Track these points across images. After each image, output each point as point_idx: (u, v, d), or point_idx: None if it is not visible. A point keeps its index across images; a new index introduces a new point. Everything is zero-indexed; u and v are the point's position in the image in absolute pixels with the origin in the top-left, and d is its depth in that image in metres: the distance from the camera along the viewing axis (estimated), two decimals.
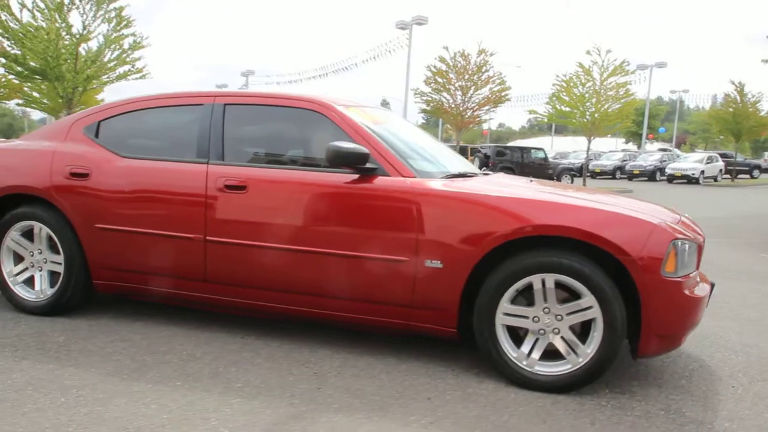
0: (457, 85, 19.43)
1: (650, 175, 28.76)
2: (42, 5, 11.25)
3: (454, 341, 3.03)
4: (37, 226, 3.53)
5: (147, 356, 2.99)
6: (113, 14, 11.83)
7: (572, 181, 23.78)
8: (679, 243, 2.71)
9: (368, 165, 2.94)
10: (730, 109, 28.18)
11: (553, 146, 48.43)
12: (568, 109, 22.86)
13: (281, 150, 3.41)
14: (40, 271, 3.60)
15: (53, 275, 3.58)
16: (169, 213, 3.24)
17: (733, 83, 27.82)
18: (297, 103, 3.28)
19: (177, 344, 3.17)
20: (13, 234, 3.59)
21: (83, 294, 3.55)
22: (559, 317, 2.78)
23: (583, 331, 2.80)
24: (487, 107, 19.82)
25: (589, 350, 2.74)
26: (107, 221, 3.34)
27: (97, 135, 3.52)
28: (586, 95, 21.68)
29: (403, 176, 2.98)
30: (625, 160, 31.44)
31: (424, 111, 21.34)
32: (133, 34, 12.16)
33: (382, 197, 2.93)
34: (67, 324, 3.44)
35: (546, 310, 2.79)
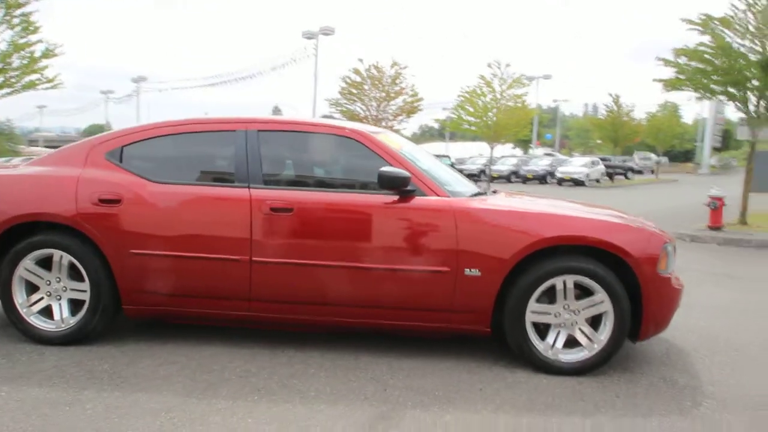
0: (371, 95, 20.03)
1: (542, 179, 31.20)
2: None
3: (485, 338, 3.44)
4: (57, 253, 3.45)
5: (205, 375, 3.09)
6: (17, 20, 10.96)
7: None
8: (668, 245, 3.34)
9: (409, 187, 3.28)
10: (608, 117, 31.45)
11: (447, 152, 50.73)
12: (472, 119, 24.38)
13: (318, 173, 3.64)
14: (59, 299, 3.51)
15: (73, 303, 3.52)
16: (212, 235, 3.35)
17: (610, 95, 31.15)
18: (332, 131, 3.54)
19: (226, 362, 3.28)
20: (28, 263, 3.48)
21: (108, 320, 3.52)
22: (576, 312, 3.29)
23: (593, 322, 3.34)
24: (401, 117, 20.62)
25: (602, 338, 3.28)
26: (143, 246, 3.36)
27: (121, 160, 3.52)
28: (489, 105, 23.29)
29: (438, 196, 3.35)
30: (518, 165, 33.84)
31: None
32: (41, 41, 11.33)
33: (425, 216, 3.28)
34: (97, 351, 3.40)
35: (566, 306, 3.29)
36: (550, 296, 3.31)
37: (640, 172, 38.71)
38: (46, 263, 3.50)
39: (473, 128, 24.10)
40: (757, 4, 10.48)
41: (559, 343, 3.31)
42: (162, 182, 3.44)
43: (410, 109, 20.50)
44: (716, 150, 42.63)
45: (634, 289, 3.26)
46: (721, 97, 11.46)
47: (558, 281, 3.25)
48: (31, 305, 3.52)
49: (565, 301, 3.29)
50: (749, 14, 10.51)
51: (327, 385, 3.01)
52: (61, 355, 3.33)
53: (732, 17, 10.68)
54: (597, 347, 3.28)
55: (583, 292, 3.30)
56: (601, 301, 3.25)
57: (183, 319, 3.58)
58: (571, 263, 3.23)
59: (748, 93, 10.65)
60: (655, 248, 3.27)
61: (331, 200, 3.38)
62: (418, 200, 3.32)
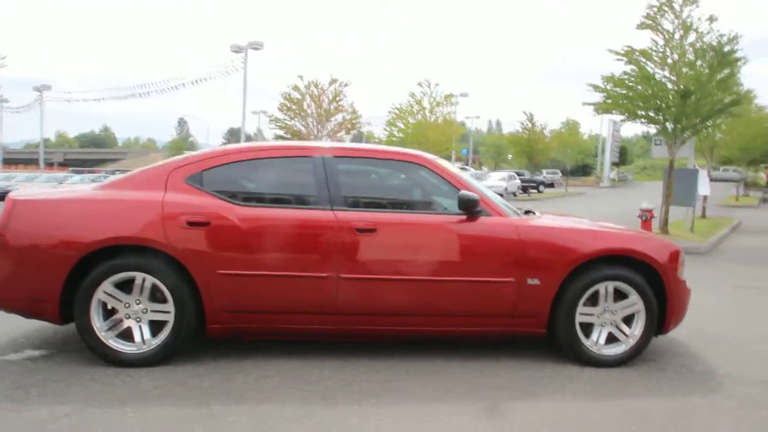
0: (310, 112, 20.29)
1: None
2: None
3: (541, 338, 3.93)
4: (139, 276, 3.52)
5: (309, 386, 3.31)
6: None
7: None
8: (682, 254, 4.01)
9: (478, 208, 3.71)
10: (524, 134, 33.68)
11: None
12: (402, 135, 25.24)
13: (391, 196, 3.97)
14: (138, 321, 3.58)
15: (152, 324, 3.60)
16: (300, 255, 3.58)
17: (525, 113, 33.40)
18: (400, 157, 3.91)
19: (317, 373, 3.50)
20: (107, 286, 3.52)
21: (189, 340, 3.63)
22: (614, 312, 3.87)
23: (626, 320, 3.92)
24: (341, 133, 21.01)
25: (636, 333, 3.87)
26: (232, 267, 3.53)
27: (202, 184, 3.67)
28: (421, 123, 24.28)
29: (500, 216, 3.81)
30: None
31: (279, 137, 21.74)
32: None
33: (493, 233, 3.73)
34: (182, 370, 3.49)
35: (606, 308, 3.86)
36: (593, 299, 3.86)
37: (551, 185, 41.60)
38: (123, 286, 3.56)
39: (404, 143, 24.96)
40: (672, 39, 12.03)
41: (602, 340, 3.87)
42: (248, 205, 3.63)
43: (350, 126, 21.00)
44: (614, 165, 46.74)
45: (658, 291, 3.90)
46: (643, 120, 12.91)
47: (601, 287, 3.81)
48: (110, 328, 3.56)
49: (605, 304, 3.86)
50: (667, 48, 12.03)
51: (426, 387, 3.34)
52: (151, 377, 3.40)
53: (653, 50, 12.16)
54: (632, 341, 3.87)
55: (617, 294, 3.89)
56: (635, 302, 3.85)
57: (263, 335, 3.76)
58: (613, 271, 3.81)
59: (667, 117, 12.14)
60: (674, 256, 3.93)
61: (409, 220, 3.74)
62: (484, 219, 3.76)
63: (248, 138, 33.60)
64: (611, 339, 3.89)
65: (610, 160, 43.57)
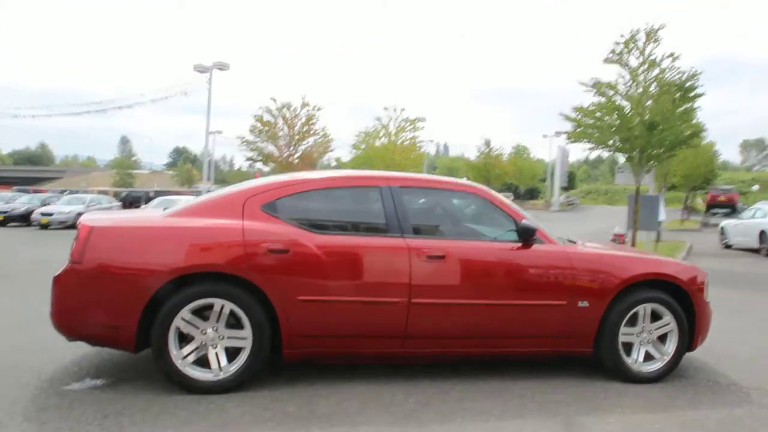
0: (282, 134, 20.35)
1: None
2: None
3: (587, 357, 4.22)
4: (218, 303, 3.59)
5: (392, 408, 3.46)
6: None
7: None
8: (707, 278, 4.43)
9: (536, 236, 4.01)
10: (481, 159, 34.80)
11: None
12: (367, 157, 25.57)
13: (454, 224, 4.21)
14: (214, 348, 3.64)
15: (227, 351, 3.66)
16: (374, 281, 3.75)
17: (483, 139, 34.58)
18: (461, 188, 4.20)
19: (391, 396, 3.65)
20: (185, 313, 3.57)
21: (263, 366, 3.72)
22: (650, 332, 4.23)
23: (659, 338, 4.28)
24: (316, 155, 21.12)
25: (670, 350, 4.23)
26: (311, 293, 3.66)
27: (276, 212, 3.79)
28: (387, 147, 24.72)
29: (552, 243, 4.11)
30: None
31: (249, 159, 21.63)
32: None
33: (548, 259, 4.02)
34: (260, 396, 3.56)
35: (644, 327, 4.21)
36: (632, 320, 4.20)
37: None
38: (199, 313, 3.62)
39: (372, 167, 25.32)
40: (637, 74, 12.92)
41: (641, 358, 4.21)
42: (323, 233, 3.78)
43: (323, 150, 21.17)
44: (563, 189, 48.69)
45: (687, 312, 4.29)
46: (611, 149, 13.73)
47: (641, 308, 4.16)
48: (186, 356, 3.60)
49: (643, 324, 4.21)
50: (633, 83, 12.91)
51: (497, 406, 3.56)
52: (234, 402, 3.46)
53: (619, 84, 13.02)
54: (666, 358, 4.23)
55: (652, 315, 4.25)
56: (669, 322, 4.22)
57: (333, 359, 3.89)
58: (650, 294, 4.17)
59: (634, 147, 12.97)
60: (701, 280, 4.34)
61: (473, 247, 3.98)
62: (538, 247, 4.05)
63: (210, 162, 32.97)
64: (648, 357, 4.24)
65: (559, 184, 45.37)
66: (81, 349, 4.32)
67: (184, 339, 3.63)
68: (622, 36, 13.00)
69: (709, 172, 27.45)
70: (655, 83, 12.83)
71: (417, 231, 3.93)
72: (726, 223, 17.42)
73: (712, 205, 31.06)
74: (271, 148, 20.26)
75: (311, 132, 20.62)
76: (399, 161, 24.81)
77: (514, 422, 3.34)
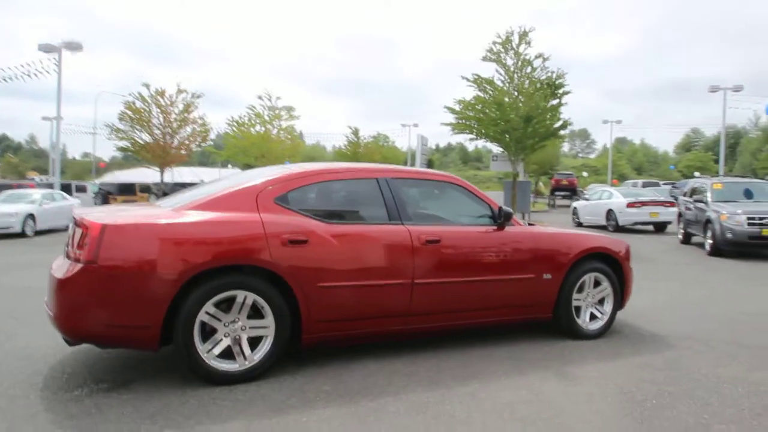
0: (157, 123, 19.06)
1: None
2: None
3: (547, 321, 4.92)
4: (241, 294, 3.63)
5: (415, 377, 3.82)
6: None
7: None
8: (629, 246, 5.39)
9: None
10: (350, 148, 35.62)
11: (164, 178, 48.61)
12: (240, 147, 24.97)
13: (440, 211, 4.61)
14: (237, 339, 3.69)
15: (249, 341, 3.73)
16: (384, 265, 4.04)
17: (350, 128, 35.34)
18: (440, 178, 4.64)
19: (405, 368, 4.01)
20: (209, 307, 3.58)
21: (285, 352, 3.85)
22: (593, 296, 5.07)
23: (599, 302, 5.15)
24: (194, 143, 20.06)
25: (607, 310, 5.10)
26: (329, 280, 3.84)
27: (288, 204, 3.91)
28: (263, 136, 24.32)
29: (520, 225, 4.74)
30: None
31: (122, 149, 19.87)
32: None
33: (520, 239, 4.63)
34: (284, 381, 3.70)
35: (588, 293, 5.03)
36: (580, 288, 5.00)
37: None
38: (221, 305, 3.65)
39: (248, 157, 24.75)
40: (512, 72, 14.38)
41: (587, 319, 5.03)
42: (335, 223, 3.99)
43: (202, 138, 20.16)
44: None
45: (618, 276, 5.19)
46: (490, 140, 15.14)
47: (587, 277, 4.97)
48: (211, 349, 3.62)
49: (588, 290, 5.03)
50: (509, 79, 14.35)
51: (498, 367, 4.09)
52: (269, 388, 3.57)
53: (496, 79, 14.39)
54: (605, 317, 5.10)
55: (594, 282, 5.09)
56: (606, 287, 5.10)
57: (346, 341, 4.12)
58: (594, 264, 4.99)
59: (511, 138, 14.46)
60: (627, 250, 5.28)
61: (461, 231, 4.45)
62: (510, 228, 4.65)
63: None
64: (592, 317, 5.08)
65: None
66: (54, 355, 4.05)
67: (206, 333, 3.64)
68: (499, 36, 14.38)
69: (554, 160, 31.07)
70: (527, 81, 14.41)
71: (412, 218, 4.31)
72: (577, 203, 20.01)
73: (556, 189, 35.18)
74: (146, 137, 18.83)
75: (189, 120, 19.62)
76: (275, 149, 24.58)
77: (519, 377, 3.89)
